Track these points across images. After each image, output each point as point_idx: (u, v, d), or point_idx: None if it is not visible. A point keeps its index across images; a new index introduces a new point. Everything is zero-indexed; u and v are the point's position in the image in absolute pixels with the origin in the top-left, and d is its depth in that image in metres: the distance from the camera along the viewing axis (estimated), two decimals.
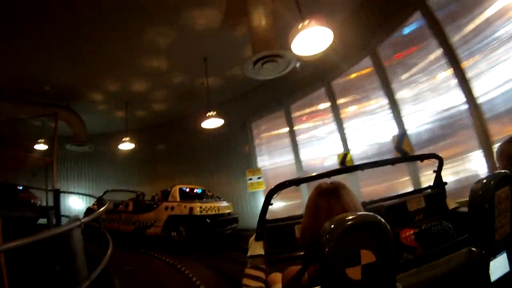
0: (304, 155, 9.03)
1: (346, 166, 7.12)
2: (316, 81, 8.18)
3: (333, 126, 7.89)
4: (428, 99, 5.73)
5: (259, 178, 10.17)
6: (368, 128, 7.06)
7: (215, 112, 8.09)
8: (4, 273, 4.51)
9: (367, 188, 7.00)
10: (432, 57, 5.54)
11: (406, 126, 6.05)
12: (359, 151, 7.30)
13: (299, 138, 9.20)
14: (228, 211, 9.43)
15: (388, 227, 1.06)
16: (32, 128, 11.58)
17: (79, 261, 2.77)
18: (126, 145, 11.20)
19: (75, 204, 14.27)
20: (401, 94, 6.19)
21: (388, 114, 6.42)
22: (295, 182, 2.50)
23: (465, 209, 2.73)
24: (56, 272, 5.65)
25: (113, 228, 9.86)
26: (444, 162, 2.81)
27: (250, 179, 10.16)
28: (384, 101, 6.47)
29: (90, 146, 12.10)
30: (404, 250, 2.29)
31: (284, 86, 9.22)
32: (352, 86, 7.58)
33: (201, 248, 8.10)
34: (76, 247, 2.78)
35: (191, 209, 8.27)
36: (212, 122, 8.37)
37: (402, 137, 6.01)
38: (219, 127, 9.20)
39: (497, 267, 1.37)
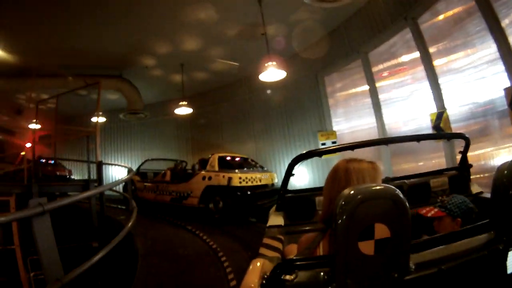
0: (387, 117, 7.98)
1: (440, 127, 6.19)
2: (398, 19, 7.00)
3: (423, 81, 6.72)
4: None
5: (333, 142, 9.46)
6: (466, 84, 5.86)
7: (274, 62, 7.42)
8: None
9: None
10: None
11: None
12: (452, 112, 6.16)
13: (381, 97, 8.11)
14: (271, 182, 9.36)
15: (406, 202, 1.08)
16: (91, 102, 12.11)
17: (44, 259, 2.40)
18: (183, 110, 11.19)
19: (120, 174, 15.17)
20: None
21: (496, 65, 5.18)
22: (317, 154, 2.71)
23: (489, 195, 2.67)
24: (92, 249, 5.68)
25: (150, 198, 10.39)
26: None
27: (323, 144, 9.46)
28: (492, 48, 5.20)
29: (146, 114, 12.27)
30: (422, 228, 2.45)
31: (359, 29, 8.26)
32: (445, 30, 6.27)
33: (237, 221, 8.19)
34: (39, 241, 2.37)
35: (230, 179, 8.14)
36: (272, 74, 7.72)
37: None
38: (285, 84, 8.96)
39: None
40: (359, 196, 1.04)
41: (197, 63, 10.90)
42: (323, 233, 1.51)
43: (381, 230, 1.06)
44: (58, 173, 11.45)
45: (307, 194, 3.41)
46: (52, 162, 11.22)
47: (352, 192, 1.07)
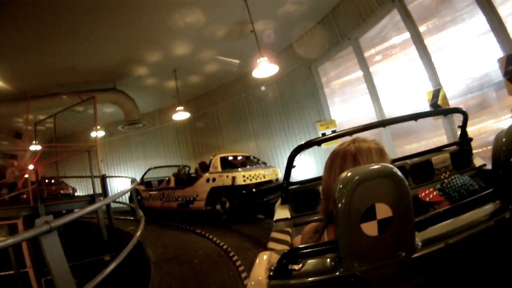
0: (384, 100, 7.95)
1: (438, 105, 6.18)
2: (385, 1, 7.00)
3: (416, 61, 6.70)
4: None
5: (333, 131, 9.33)
6: (460, 59, 5.86)
7: (266, 58, 7.48)
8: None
9: None
10: None
11: None
12: (449, 89, 6.15)
13: (376, 81, 8.08)
14: (275, 177, 9.46)
15: (405, 180, 1.08)
16: (89, 117, 12.15)
17: (56, 276, 2.40)
18: (181, 115, 11.23)
19: (125, 186, 15.11)
20: (506, 7, 4.92)
21: (487, 37, 5.18)
22: (316, 143, 2.79)
23: None
24: (105, 263, 5.71)
25: (157, 206, 10.51)
26: None
27: (323, 133, 9.36)
28: (481, 20, 5.20)
29: (144, 123, 12.32)
30: (431, 204, 2.45)
31: (347, 15, 8.27)
32: (433, 8, 6.26)
33: (245, 219, 8.24)
34: (49, 259, 2.37)
35: (234, 178, 8.22)
36: (265, 70, 7.75)
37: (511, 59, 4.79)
38: (280, 79, 9.35)
39: None
40: (356, 177, 1.04)
41: (190, 67, 10.89)
42: (327, 222, 1.49)
43: (383, 210, 1.05)
44: (62, 191, 11.51)
45: (311, 184, 3.45)
46: (56, 181, 11.29)
47: (349, 174, 1.06)
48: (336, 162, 1.47)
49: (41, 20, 6.73)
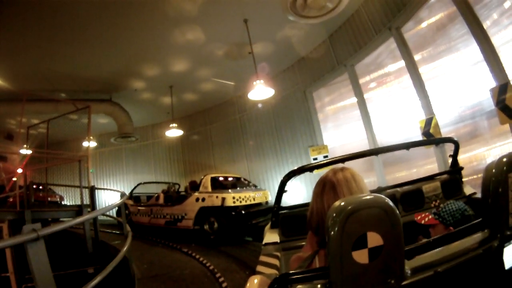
0: (377, 128, 7.97)
1: (430, 133, 6.21)
2: (382, 29, 7.12)
3: (410, 89, 6.75)
4: None
5: (325, 157, 9.34)
6: (453, 88, 5.93)
7: (262, 81, 7.50)
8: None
9: None
10: None
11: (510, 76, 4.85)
12: (441, 117, 6.20)
13: (370, 108, 8.12)
14: (265, 200, 9.47)
15: (396, 210, 1.11)
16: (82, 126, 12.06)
17: (40, 285, 2.34)
18: (174, 132, 11.23)
19: (113, 199, 14.80)
20: (499, 37, 4.99)
21: (480, 67, 5.24)
22: (308, 169, 2.74)
23: None
24: (88, 275, 5.60)
25: (144, 222, 10.42)
26: None
27: (315, 158, 9.39)
28: (476, 50, 5.26)
29: (137, 137, 12.28)
30: (419, 231, 2.56)
31: (344, 42, 8.37)
32: (428, 37, 6.37)
33: (232, 241, 8.16)
34: (34, 267, 2.30)
35: (224, 199, 8.17)
36: (261, 92, 7.74)
37: (504, 89, 4.84)
38: (275, 102, 9.40)
39: None
40: (349, 207, 1.07)
41: (186, 84, 10.94)
42: (318, 249, 1.50)
43: (374, 239, 1.08)
44: (49, 199, 11.30)
45: (301, 209, 3.44)
46: (43, 187, 11.08)
47: (342, 203, 1.10)
48: (338, 189, 1.50)
49: (42, 23, 6.70)
